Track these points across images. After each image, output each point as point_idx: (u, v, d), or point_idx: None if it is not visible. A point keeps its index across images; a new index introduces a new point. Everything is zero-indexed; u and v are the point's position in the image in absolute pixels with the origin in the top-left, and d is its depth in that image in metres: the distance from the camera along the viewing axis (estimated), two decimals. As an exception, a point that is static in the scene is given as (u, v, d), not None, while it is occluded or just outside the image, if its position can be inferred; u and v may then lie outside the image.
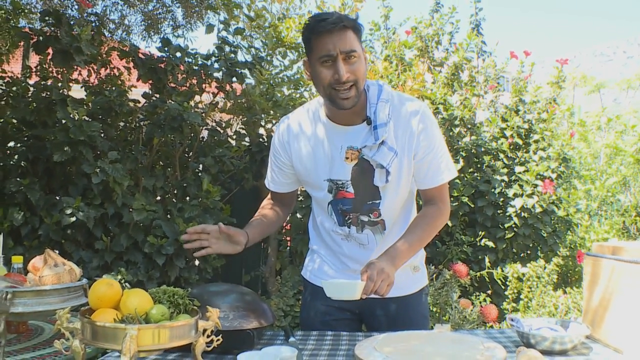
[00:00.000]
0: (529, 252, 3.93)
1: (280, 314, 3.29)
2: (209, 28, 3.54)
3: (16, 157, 2.99)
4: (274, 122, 3.77)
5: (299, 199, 3.66)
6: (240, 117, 3.74)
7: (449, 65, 4.55)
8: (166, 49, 3.29)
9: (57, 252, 1.55)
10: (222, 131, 3.67)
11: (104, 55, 3.29)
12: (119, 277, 2.72)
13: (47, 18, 2.93)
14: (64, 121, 2.80)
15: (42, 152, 2.90)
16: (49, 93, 2.96)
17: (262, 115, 3.67)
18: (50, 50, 2.94)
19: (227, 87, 3.46)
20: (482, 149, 3.99)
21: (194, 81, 3.38)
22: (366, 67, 1.56)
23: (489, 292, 3.74)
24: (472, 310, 2.95)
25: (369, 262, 1.45)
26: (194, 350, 1.19)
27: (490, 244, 3.81)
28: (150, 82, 3.27)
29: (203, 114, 3.37)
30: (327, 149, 1.61)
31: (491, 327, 3.10)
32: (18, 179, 2.82)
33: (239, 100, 3.63)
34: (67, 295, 1.41)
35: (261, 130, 3.89)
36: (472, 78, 4.47)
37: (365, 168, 1.58)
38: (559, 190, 4.11)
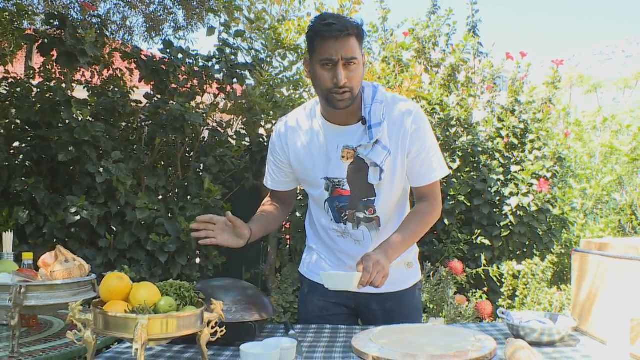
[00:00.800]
0: (524, 250, 3.97)
1: (280, 311, 3.35)
2: (210, 30, 3.57)
3: (21, 157, 3.02)
4: (273, 122, 3.81)
5: (298, 199, 3.70)
6: (241, 117, 3.78)
7: (445, 66, 4.61)
8: (168, 50, 3.32)
9: (66, 249, 1.60)
10: (222, 131, 3.72)
11: (107, 57, 3.31)
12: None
13: (52, 21, 2.98)
14: (68, 122, 2.84)
15: (47, 152, 2.94)
16: (52, 94, 3.00)
17: (262, 116, 3.71)
18: (54, 52, 2.98)
19: (228, 88, 3.50)
20: (479, 149, 4.03)
21: (195, 82, 3.41)
22: (364, 71, 1.61)
23: (485, 289, 3.78)
24: (467, 306, 3.01)
25: (365, 255, 1.50)
26: (199, 340, 1.26)
27: (487, 242, 3.86)
28: (152, 83, 3.31)
29: (204, 115, 3.41)
30: (324, 148, 1.67)
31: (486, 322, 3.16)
32: (23, 178, 2.86)
33: (239, 101, 3.67)
34: (77, 289, 1.47)
35: (261, 131, 3.93)
36: (468, 79, 4.53)
37: (361, 166, 1.64)
38: (554, 189, 4.16)
